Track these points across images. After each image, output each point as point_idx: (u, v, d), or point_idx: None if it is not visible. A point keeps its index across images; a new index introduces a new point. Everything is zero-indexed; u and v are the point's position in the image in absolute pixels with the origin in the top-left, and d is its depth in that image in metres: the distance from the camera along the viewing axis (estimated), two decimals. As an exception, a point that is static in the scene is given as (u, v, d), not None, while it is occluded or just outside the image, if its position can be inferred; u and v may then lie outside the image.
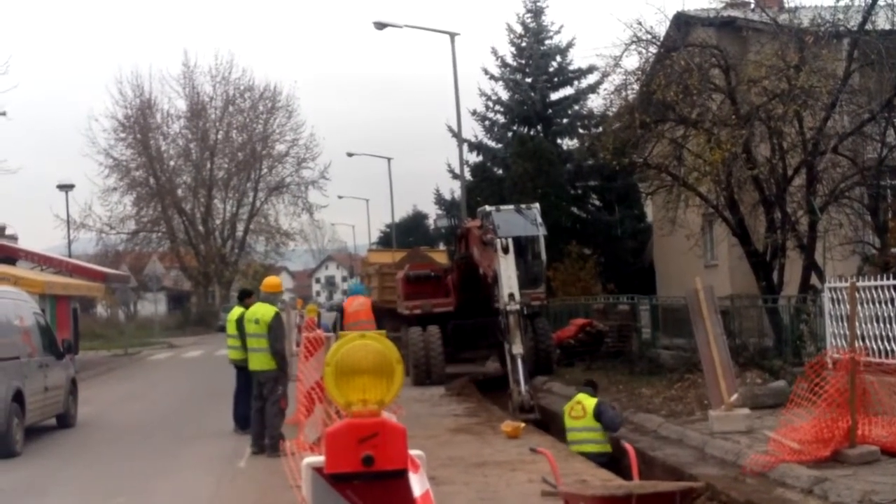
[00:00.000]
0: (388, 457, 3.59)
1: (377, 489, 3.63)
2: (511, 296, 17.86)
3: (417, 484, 3.63)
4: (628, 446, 8.00)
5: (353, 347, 3.75)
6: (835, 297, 15.27)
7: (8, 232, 40.98)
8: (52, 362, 16.98)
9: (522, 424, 14.57)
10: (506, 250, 18.70)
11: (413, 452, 3.76)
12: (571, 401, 14.24)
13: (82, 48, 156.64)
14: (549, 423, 16.19)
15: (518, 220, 24.99)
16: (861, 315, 13.98)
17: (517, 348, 17.44)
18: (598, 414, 13.51)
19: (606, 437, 13.52)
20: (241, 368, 15.63)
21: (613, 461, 12.81)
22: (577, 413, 13.75)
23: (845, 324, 13.83)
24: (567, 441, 13.79)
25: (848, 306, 12.74)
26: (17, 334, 15.79)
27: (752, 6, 23.68)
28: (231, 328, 15.86)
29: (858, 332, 12.97)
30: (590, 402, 13.75)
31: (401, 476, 3.63)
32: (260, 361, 13.79)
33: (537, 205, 25.75)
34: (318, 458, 3.72)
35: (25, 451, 14.69)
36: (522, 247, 24.93)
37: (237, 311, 15.94)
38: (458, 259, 24.23)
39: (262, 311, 13.89)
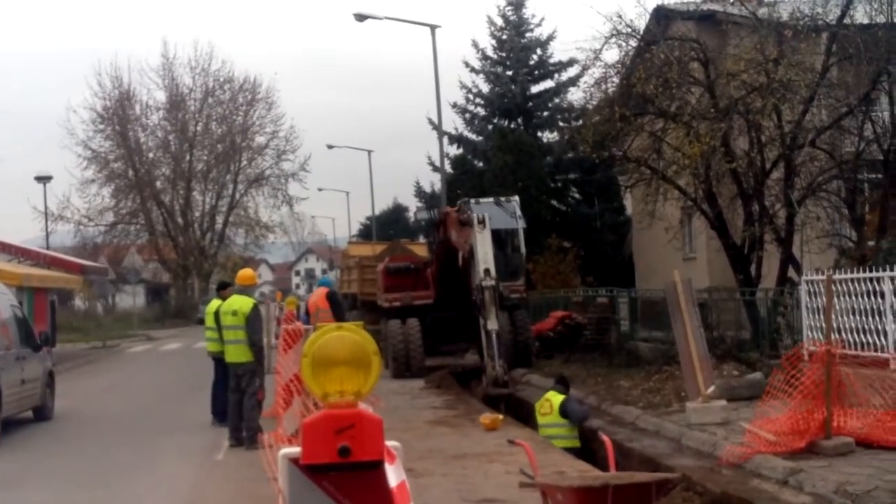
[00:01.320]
0: (365, 448, 3.59)
1: (353, 480, 3.64)
2: (487, 271, 17.92)
3: (393, 475, 3.64)
4: (605, 438, 8.04)
5: (329, 338, 3.75)
6: (811, 289, 15.40)
7: (-15, 224, 40.70)
8: (29, 355, 16.90)
9: (500, 417, 14.62)
10: (482, 224, 18.73)
11: (389, 443, 3.76)
12: (542, 398, 14.48)
13: (61, 38, 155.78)
14: (528, 416, 16.24)
15: (497, 213, 25.01)
16: (837, 308, 14.11)
17: (492, 324, 17.55)
18: (564, 410, 13.75)
19: (575, 432, 13.75)
20: (219, 361, 15.59)
21: (588, 453, 12.95)
22: (545, 410, 14.05)
23: (822, 316, 13.95)
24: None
25: (824, 299, 12.83)
26: (-7, 326, 15.71)
27: (732, 0, 23.72)
28: (209, 320, 15.82)
29: (835, 325, 13.08)
30: (557, 398, 14.04)
31: (377, 467, 3.63)
32: (237, 353, 13.77)
33: (517, 198, 25.77)
34: (295, 450, 3.72)
35: (1, 443, 14.61)
36: (502, 240, 24.96)
37: (215, 303, 15.91)
38: (436, 246, 24.15)
39: (239, 302, 13.87)
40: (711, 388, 13.43)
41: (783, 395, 11.43)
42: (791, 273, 19.18)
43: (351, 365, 3.69)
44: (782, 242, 19.40)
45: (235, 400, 13.75)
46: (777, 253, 19.68)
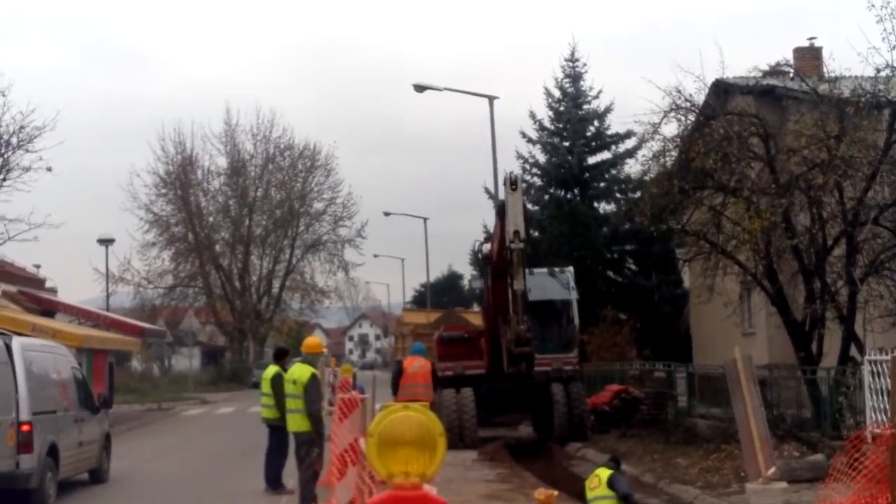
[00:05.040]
0: (430, 529, 3.56)
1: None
2: (516, 233, 18.23)
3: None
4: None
5: (396, 419, 3.74)
6: (875, 369, 15.07)
7: (48, 285, 41.47)
8: (87, 417, 17.06)
9: (555, 493, 14.40)
10: (514, 186, 18.89)
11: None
12: (592, 474, 14.36)
13: (127, 103, 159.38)
14: (582, 492, 16.00)
15: (551, 284, 25.01)
16: (902, 389, 13.78)
17: (518, 284, 18.10)
18: (611, 482, 13.62)
19: None
20: (273, 427, 15.64)
21: None
22: (594, 484, 13.88)
23: (886, 398, 13.62)
24: None
25: (889, 380, 12.55)
26: (54, 388, 15.91)
27: (792, 75, 23.65)
28: (265, 386, 15.89)
29: (899, 407, 12.75)
30: (605, 473, 13.89)
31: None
32: (296, 423, 13.81)
33: (571, 268, 25.75)
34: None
35: (58, 505, 14.73)
36: (556, 311, 24.90)
37: (272, 369, 16.00)
38: (486, 289, 23.83)
39: (299, 371, 13.93)
40: (772, 470, 13.14)
41: (846, 478, 11.15)
42: (853, 352, 18.82)
43: (417, 446, 3.68)
44: (844, 320, 19.07)
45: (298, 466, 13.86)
46: (839, 331, 19.33)
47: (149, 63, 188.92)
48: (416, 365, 18.93)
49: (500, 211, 20.45)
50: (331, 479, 12.88)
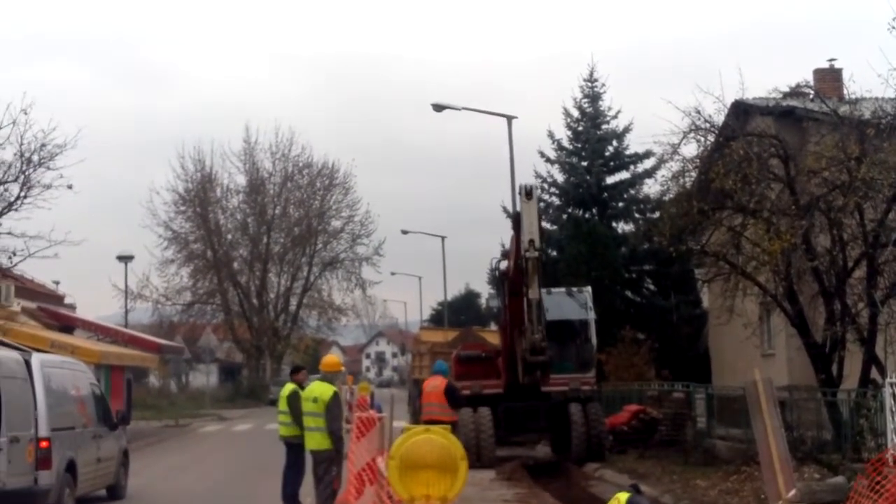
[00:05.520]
0: (451, 555, 3.55)
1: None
2: (531, 242, 18.54)
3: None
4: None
5: (417, 441, 3.75)
6: (897, 392, 14.94)
7: (67, 301, 41.67)
8: (105, 433, 17.10)
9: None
10: (529, 196, 19.19)
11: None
12: (612, 498, 14.28)
13: (145, 123, 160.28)
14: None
15: (569, 303, 25.00)
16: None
17: (533, 293, 18.57)
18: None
19: None
20: (291, 445, 15.62)
21: None
22: None
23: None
24: None
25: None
26: (72, 404, 15.97)
27: (812, 97, 23.60)
28: (283, 404, 15.88)
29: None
30: (624, 496, 13.82)
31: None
32: (316, 441, 13.78)
33: (589, 289, 25.71)
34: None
35: (76, 522, 14.74)
36: (574, 331, 24.86)
37: (289, 386, 15.99)
38: (503, 307, 23.90)
39: (320, 389, 13.88)
40: (793, 492, 13.03)
41: (867, 501, 11.05)
42: (874, 374, 18.68)
43: (438, 469, 3.68)
44: (865, 342, 18.95)
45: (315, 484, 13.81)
46: (859, 353, 19.20)
47: (169, 80, 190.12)
48: (431, 385, 18.93)
49: (516, 222, 20.59)
50: (348, 497, 12.89)
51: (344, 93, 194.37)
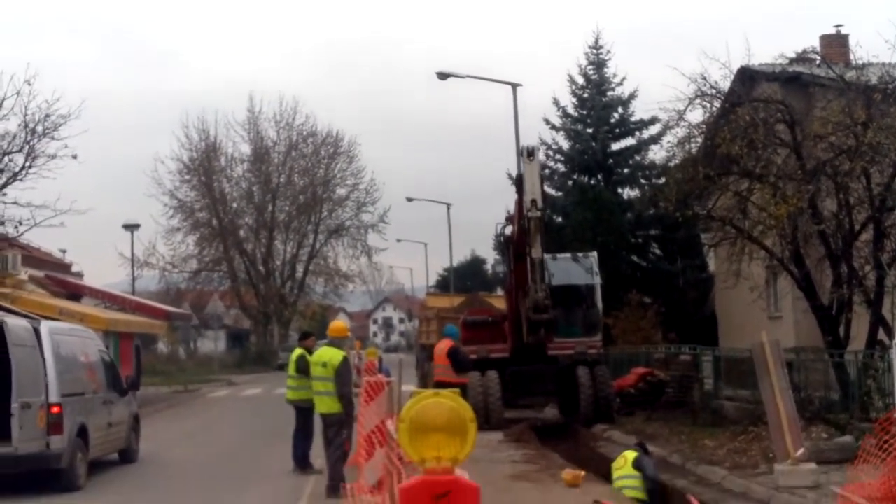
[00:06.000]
0: (462, 515, 3.61)
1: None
2: (533, 202, 18.75)
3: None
4: (694, 501, 7.91)
5: (427, 405, 3.79)
6: (904, 353, 15.00)
7: (74, 269, 41.81)
8: (115, 398, 17.23)
9: (582, 473, 14.46)
10: (531, 156, 19.40)
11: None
12: (619, 456, 14.49)
13: (149, 92, 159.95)
14: (609, 473, 16.07)
15: (575, 269, 25.07)
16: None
17: (536, 252, 18.92)
18: (638, 463, 13.73)
19: (643, 486, 13.63)
20: (300, 409, 15.76)
21: None
22: (619, 465, 14.02)
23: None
24: None
25: (918, 363, 12.53)
26: (82, 371, 16.08)
27: (818, 62, 23.48)
28: (291, 369, 16.00)
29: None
30: (632, 454, 14.01)
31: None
32: (326, 405, 13.88)
33: (594, 254, 25.75)
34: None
35: (88, 485, 14.90)
36: (581, 295, 24.94)
37: (298, 351, 16.10)
38: (508, 273, 24.05)
39: (329, 354, 13.97)
40: (801, 451, 13.16)
41: (875, 459, 11.13)
42: (881, 335, 18.75)
43: (448, 431, 3.72)
44: (872, 305, 19.00)
45: (325, 447, 13.92)
46: (867, 315, 19.26)
47: (173, 55, 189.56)
48: (439, 348, 19.04)
49: (519, 183, 20.69)
50: (359, 459, 12.99)
51: (348, 65, 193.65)
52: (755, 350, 14.11)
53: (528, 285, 18.98)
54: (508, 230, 23.63)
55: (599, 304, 24.92)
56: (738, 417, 19.62)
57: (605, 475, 15.18)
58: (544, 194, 21.16)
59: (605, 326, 28.73)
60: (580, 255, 26.09)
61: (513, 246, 22.58)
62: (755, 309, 24.33)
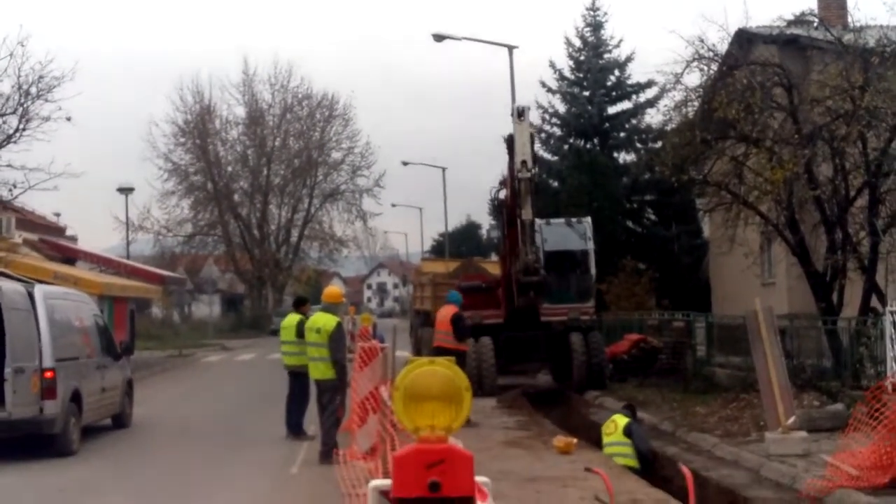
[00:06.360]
0: (455, 484, 3.59)
1: (443, 516, 3.63)
2: (524, 163, 18.74)
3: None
4: (685, 470, 7.90)
5: (421, 373, 3.76)
6: (897, 320, 15.03)
7: (68, 233, 41.70)
8: (109, 363, 17.21)
9: (574, 440, 14.51)
10: (521, 116, 19.33)
11: (479, 479, 3.75)
12: (608, 420, 14.57)
13: (144, 55, 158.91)
14: (600, 439, 16.13)
15: (568, 234, 25.02)
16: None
17: (526, 214, 18.99)
18: (628, 430, 13.81)
19: (635, 454, 13.70)
20: (294, 374, 15.76)
21: (663, 482, 12.82)
22: (610, 430, 14.18)
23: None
24: None
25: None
26: (76, 335, 16.06)
27: (816, 25, 23.33)
28: (286, 335, 15.98)
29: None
30: (622, 420, 14.10)
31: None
32: (320, 371, 13.89)
33: (588, 219, 25.68)
34: (385, 482, 3.74)
35: (82, 450, 14.91)
36: (575, 261, 24.91)
37: (293, 317, 16.06)
38: (502, 238, 24.07)
39: (323, 320, 13.95)
40: (792, 419, 13.19)
41: (866, 428, 11.18)
42: (875, 303, 18.77)
43: (442, 400, 3.70)
44: (866, 271, 19.00)
45: (320, 413, 13.95)
46: (860, 281, 19.27)
47: (167, 14, 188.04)
48: (442, 313, 18.95)
49: (510, 145, 20.57)
50: (352, 425, 13.01)
51: (343, 29, 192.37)
52: (748, 317, 14.12)
53: (519, 247, 18.93)
54: (502, 194, 23.55)
55: (593, 270, 24.88)
56: (730, 384, 19.66)
57: (597, 442, 15.26)
58: (534, 152, 21.09)
59: (599, 292, 28.73)
60: (574, 220, 26.02)
61: (506, 210, 22.51)
62: (749, 276, 24.35)
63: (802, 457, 12.62)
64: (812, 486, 10.88)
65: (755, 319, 13.62)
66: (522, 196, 18.76)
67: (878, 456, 10.81)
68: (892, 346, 15.05)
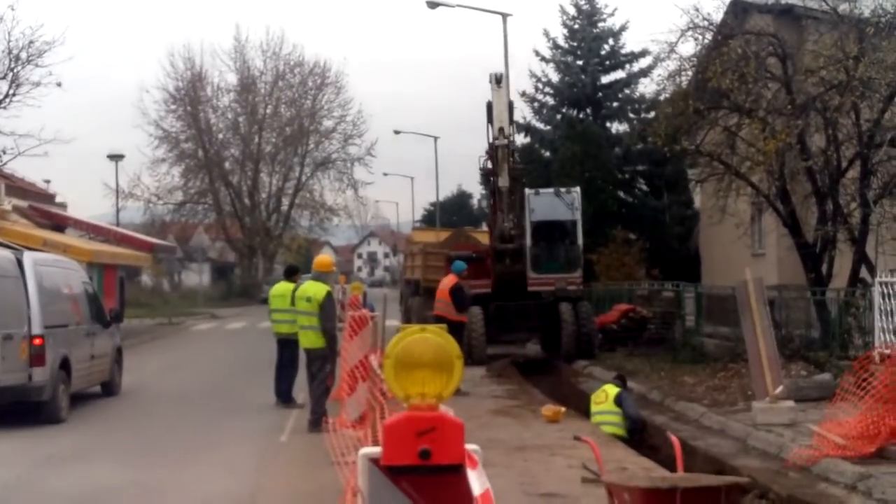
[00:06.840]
0: (446, 451, 3.58)
1: (433, 483, 3.62)
2: (501, 130, 18.86)
3: (477, 482, 3.62)
4: (674, 438, 7.93)
5: (413, 340, 3.74)
6: (885, 291, 15.06)
7: (58, 200, 41.50)
8: (98, 331, 17.18)
9: (563, 409, 14.57)
10: (499, 83, 19.47)
11: (469, 447, 3.74)
12: (599, 389, 14.66)
13: (135, 21, 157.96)
14: (588, 408, 16.19)
15: (556, 204, 24.94)
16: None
17: (503, 181, 18.97)
18: (619, 399, 13.90)
19: (624, 424, 13.77)
20: (284, 342, 15.75)
21: (651, 450, 12.90)
22: (600, 399, 14.26)
23: (895, 319, 13.66)
24: None
25: (899, 302, 12.56)
26: (65, 302, 16.02)
27: (811, -6, 23.24)
28: (276, 303, 15.96)
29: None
30: (613, 390, 14.19)
31: (457, 471, 3.61)
32: (310, 339, 13.86)
33: (577, 189, 25.61)
34: (375, 450, 3.72)
35: (71, 417, 14.91)
36: (561, 231, 24.88)
37: (283, 286, 16.04)
38: (490, 207, 24.11)
39: (314, 289, 13.90)
40: (779, 389, 13.23)
41: (853, 397, 11.22)
42: (864, 274, 18.81)
43: (433, 367, 3.68)
44: (856, 242, 19.03)
45: (309, 381, 13.93)
46: (850, 253, 19.30)
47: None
48: (443, 283, 18.91)
49: (490, 111, 20.52)
50: (341, 394, 13.01)
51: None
52: (738, 288, 14.13)
53: (497, 214, 18.98)
54: (489, 163, 23.50)
55: (580, 240, 24.85)
56: (719, 354, 19.73)
57: (585, 411, 15.32)
58: (511, 119, 21.09)
59: (588, 262, 28.73)
60: (563, 189, 25.95)
61: (492, 178, 22.48)
62: (739, 246, 24.40)
63: (789, 426, 12.68)
64: (798, 455, 10.93)
65: (745, 290, 13.63)
66: (500, 163, 18.82)
67: (865, 425, 10.86)
68: (881, 317, 15.09)
